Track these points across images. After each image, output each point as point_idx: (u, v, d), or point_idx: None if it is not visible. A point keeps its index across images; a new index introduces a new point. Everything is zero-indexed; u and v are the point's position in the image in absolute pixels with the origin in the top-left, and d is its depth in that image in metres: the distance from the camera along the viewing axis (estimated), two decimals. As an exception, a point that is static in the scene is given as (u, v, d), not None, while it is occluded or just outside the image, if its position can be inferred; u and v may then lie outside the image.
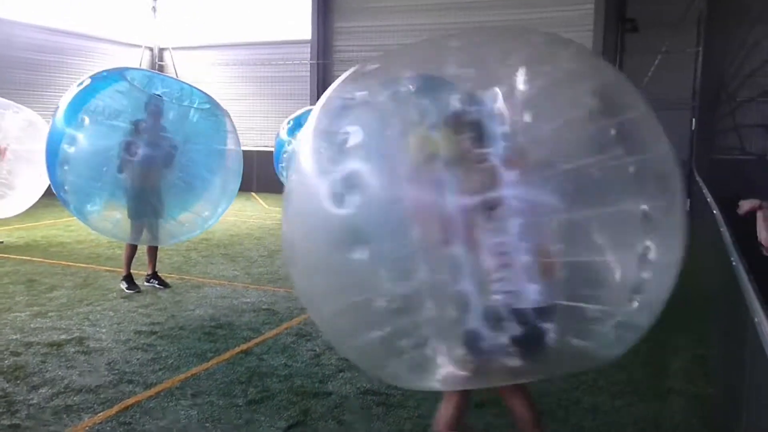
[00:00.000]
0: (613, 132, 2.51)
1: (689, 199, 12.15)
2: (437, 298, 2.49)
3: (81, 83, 6.03)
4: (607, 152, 2.47)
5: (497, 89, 2.54)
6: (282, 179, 13.25)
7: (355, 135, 2.58)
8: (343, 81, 2.84)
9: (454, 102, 2.62)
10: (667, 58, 13.20)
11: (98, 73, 6.27)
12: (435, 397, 4.24)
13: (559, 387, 4.42)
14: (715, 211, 5.00)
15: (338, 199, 2.51)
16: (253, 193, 17.16)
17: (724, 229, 4.18)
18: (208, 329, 5.68)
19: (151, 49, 20.08)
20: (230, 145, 6.49)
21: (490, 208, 2.46)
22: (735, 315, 3.27)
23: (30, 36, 16.11)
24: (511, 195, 2.45)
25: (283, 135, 13.15)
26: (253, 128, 18.38)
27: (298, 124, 13.15)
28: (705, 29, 12.15)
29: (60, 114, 5.86)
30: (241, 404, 4.17)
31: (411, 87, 2.68)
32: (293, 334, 5.57)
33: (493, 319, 2.47)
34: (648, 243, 2.47)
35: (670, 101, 13.02)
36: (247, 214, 13.37)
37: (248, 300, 6.65)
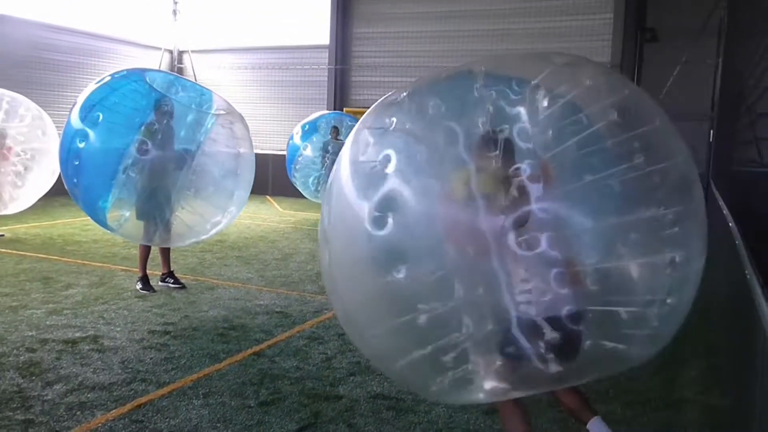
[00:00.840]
0: (633, 144, 2.60)
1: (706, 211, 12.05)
2: (474, 313, 2.57)
3: (100, 80, 6.10)
4: (628, 163, 2.56)
5: (521, 108, 2.64)
6: (294, 183, 13.34)
7: (390, 159, 2.68)
8: (373, 111, 2.96)
9: (482, 123, 2.70)
10: (686, 68, 13.12)
11: (118, 72, 6.33)
12: (446, 402, 4.25)
13: (570, 396, 4.40)
14: (730, 224, 4.97)
15: (378, 221, 2.60)
16: (268, 197, 17.25)
17: (739, 242, 4.16)
18: (221, 330, 5.72)
19: (171, 52, 20.25)
20: (243, 150, 6.50)
21: (520, 224, 2.54)
22: (748, 327, 3.25)
23: (50, 36, 16.30)
24: (538, 209, 2.54)
25: (297, 140, 13.23)
26: (270, 132, 18.50)
27: (313, 128, 13.23)
28: (725, 40, 12.09)
29: (75, 110, 5.91)
30: (252, 405, 4.20)
31: (440, 110, 2.77)
32: (305, 337, 5.59)
33: (528, 328, 2.56)
34: (673, 247, 2.58)
35: (688, 112, 12.94)
36: (261, 217, 13.44)
37: (261, 302, 6.68)
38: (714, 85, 12.84)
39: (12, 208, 9.77)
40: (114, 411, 4.04)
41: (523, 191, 2.56)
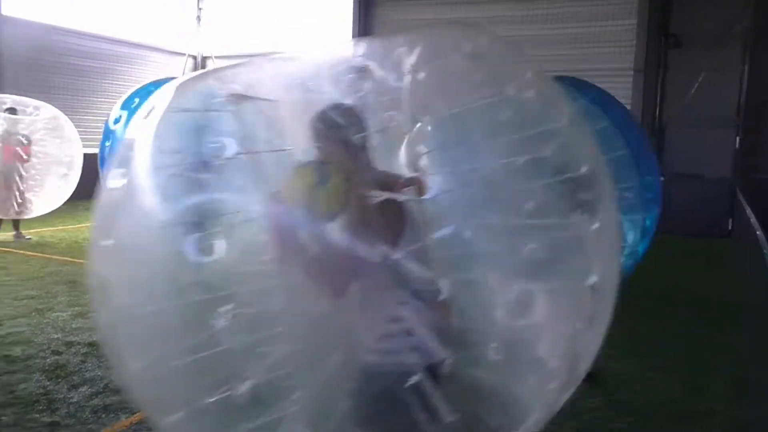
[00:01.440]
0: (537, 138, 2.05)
1: (731, 218, 11.92)
2: (318, 371, 2.02)
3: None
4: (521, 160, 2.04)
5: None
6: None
7: (226, 149, 2.02)
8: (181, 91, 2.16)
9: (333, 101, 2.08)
10: (711, 74, 12.99)
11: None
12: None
13: (592, 406, 4.36)
14: (758, 232, 4.91)
15: (203, 245, 1.93)
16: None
17: (766, 251, 4.11)
18: (244, 335, 5.73)
19: (195, 57, 20.42)
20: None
21: (391, 246, 1.93)
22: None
23: (77, 43, 16.46)
24: (411, 225, 1.99)
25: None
26: (291, 137, 18.57)
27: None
28: (751, 45, 11.97)
29: (111, 116, 6.02)
30: (274, 410, 4.20)
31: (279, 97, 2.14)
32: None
33: (398, 381, 1.96)
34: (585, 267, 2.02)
35: (713, 118, 12.81)
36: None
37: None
38: (740, 91, 12.70)
39: (35, 212, 9.91)
40: (138, 414, 4.04)
41: (389, 200, 1.95)
